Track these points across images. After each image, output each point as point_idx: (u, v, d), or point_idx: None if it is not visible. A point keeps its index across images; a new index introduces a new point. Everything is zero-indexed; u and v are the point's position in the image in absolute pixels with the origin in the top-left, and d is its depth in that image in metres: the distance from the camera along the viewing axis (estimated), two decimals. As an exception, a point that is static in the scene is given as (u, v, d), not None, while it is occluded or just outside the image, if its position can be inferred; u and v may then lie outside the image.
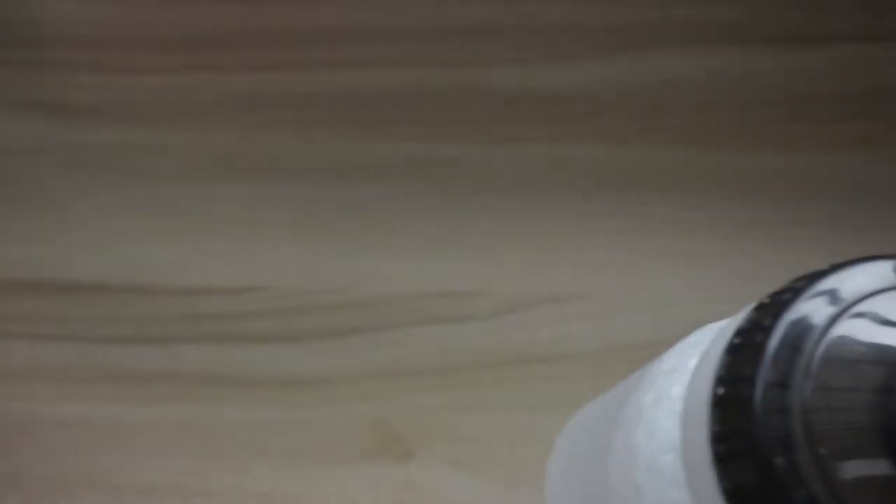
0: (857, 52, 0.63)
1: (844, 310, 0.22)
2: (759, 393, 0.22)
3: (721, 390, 0.23)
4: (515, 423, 0.57)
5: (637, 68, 0.64)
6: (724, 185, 0.62)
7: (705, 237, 0.61)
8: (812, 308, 0.23)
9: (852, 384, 0.21)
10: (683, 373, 0.27)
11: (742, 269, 0.60)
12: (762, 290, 0.29)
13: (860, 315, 0.22)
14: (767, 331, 0.23)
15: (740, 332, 0.24)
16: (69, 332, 0.60)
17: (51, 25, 0.66)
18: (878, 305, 0.22)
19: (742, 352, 0.23)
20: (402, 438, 0.56)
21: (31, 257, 0.62)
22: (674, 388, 0.27)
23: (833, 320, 0.22)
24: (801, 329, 0.22)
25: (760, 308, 0.24)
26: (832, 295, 0.23)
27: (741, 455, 0.22)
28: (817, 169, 0.61)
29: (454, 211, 0.62)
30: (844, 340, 0.22)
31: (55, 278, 0.61)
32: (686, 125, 0.63)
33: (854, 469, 0.20)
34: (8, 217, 0.63)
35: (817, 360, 0.22)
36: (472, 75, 0.64)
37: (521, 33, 0.65)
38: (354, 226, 0.62)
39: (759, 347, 0.22)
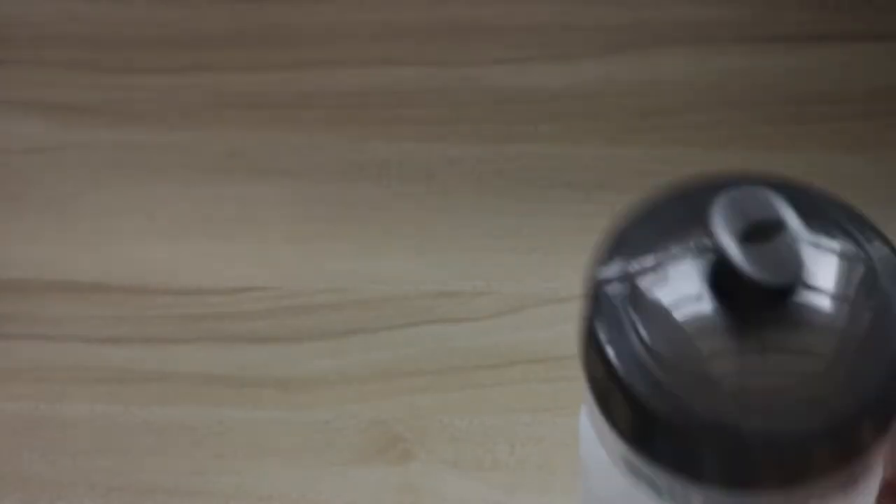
0: (857, 51, 0.63)
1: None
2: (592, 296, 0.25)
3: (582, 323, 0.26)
4: (515, 424, 0.56)
5: (637, 68, 0.64)
6: (724, 185, 0.62)
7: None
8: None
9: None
10: None
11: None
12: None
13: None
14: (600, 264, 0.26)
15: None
16: (69, 333, 0.60)
17: (51, 26, 0.66)
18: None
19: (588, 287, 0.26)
20: (402, 439, 0.56)
21: (31, 257, 0.62)
22: None
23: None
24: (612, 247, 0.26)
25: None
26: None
27: (597, 365, 0.24)
28: (818, 168, 0.61)
29: (454, 211, 0.62)
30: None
31: (55, 278, 0.61)
32: (685, 125, 0.63)
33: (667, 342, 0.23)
34: (7, 217, 0.63)
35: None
36: (472, 75, 0.64)
37: (521, 33, 0.65)
38: (354, 226, 0.62)
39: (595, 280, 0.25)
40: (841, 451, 0.22)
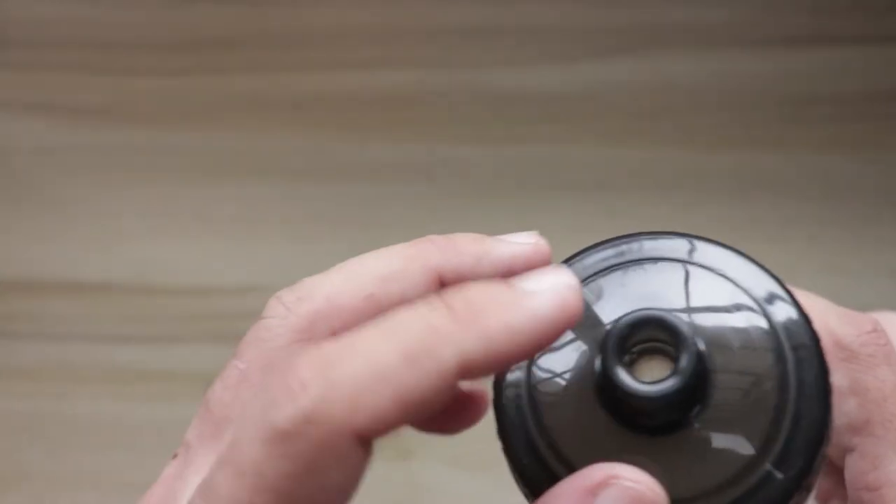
0: (853, 54, 0.64)
1: None
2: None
3: None
4: (515, 422, 0.57)
5: (636, 70, 0.64)
6: (721, 186, 0.62)
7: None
8: None
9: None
10: None
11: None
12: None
13: None
14: None
15: None
16: (73, 332, 0.60)
17: (54, 28, 0.67)
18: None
19: None
20: (402, 437, 0.57)
21: (35, 257, 0.62)
22: None
23: None
24: None
25: None
26: None
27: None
28: (814, 169, 0.62)
29: (454, 211, 0.62)
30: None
31: (59, 278, 0.62)
32: (684, 126, 0.63)
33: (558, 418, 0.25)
34: (12, 217, 0.63)
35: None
36: (472, 76, 0.65)
37: (520, 35, 0.65)
38: (354, 226, 0.62)
39: None
40: None
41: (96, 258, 0.62)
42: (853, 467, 0.27)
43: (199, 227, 0.62)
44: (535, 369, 0.25)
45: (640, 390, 0.23)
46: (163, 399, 0.58)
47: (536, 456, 0.25)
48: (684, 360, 0.23)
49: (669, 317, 0.23)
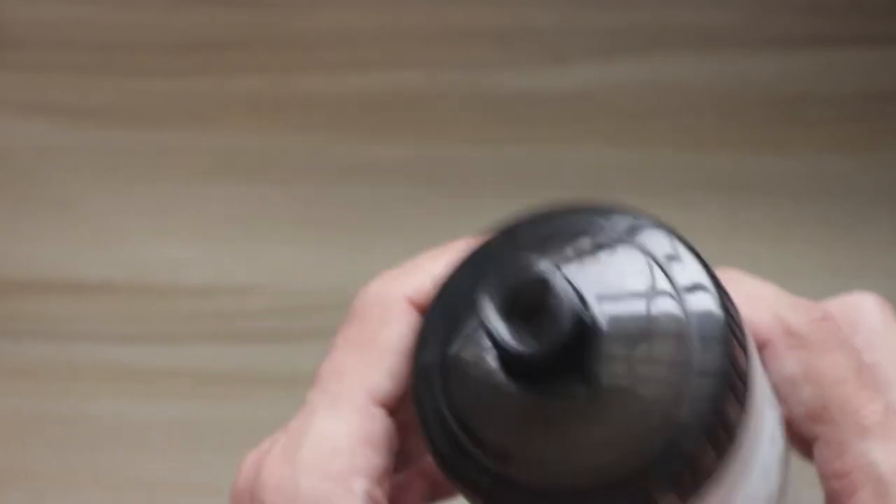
0: (850, 55, 0.64)
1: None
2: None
3: None
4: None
5: (634, 71, 0.64)
6: (720, 186, 0.62)
7: (701, 238, 0.61)
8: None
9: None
10: None
11: (738, 269, 0.60)
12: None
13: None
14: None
15: None
16: (75, 331, 0.60)
17: (54, 29, 0.67)
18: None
19: None
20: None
21: (37, 257, 0.62)
22: None
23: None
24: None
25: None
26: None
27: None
28: (811, 170, 0.62)
29: (454, 211, 0.62)
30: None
31: (61, 278, 0.62)
32: (682, 127, 0.64)
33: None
34: (14, 217, 0.63)
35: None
36: (472, 77, 0.65)
37: (520, 35, 0.66)
38: (354, 226, 0.62)
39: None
40: None
41: (97, 258, 0.62)
42: (820, 457, 0.27)
43: (199, 227, 0.63)
44: (447, 347, 0.25)
45: (515, 347, 0.22)
46: (164, 398, 0.58)
47: (454, 441, 0.24)
48: (561, 317, 0.22)
49: (548, 275, 0.23)
